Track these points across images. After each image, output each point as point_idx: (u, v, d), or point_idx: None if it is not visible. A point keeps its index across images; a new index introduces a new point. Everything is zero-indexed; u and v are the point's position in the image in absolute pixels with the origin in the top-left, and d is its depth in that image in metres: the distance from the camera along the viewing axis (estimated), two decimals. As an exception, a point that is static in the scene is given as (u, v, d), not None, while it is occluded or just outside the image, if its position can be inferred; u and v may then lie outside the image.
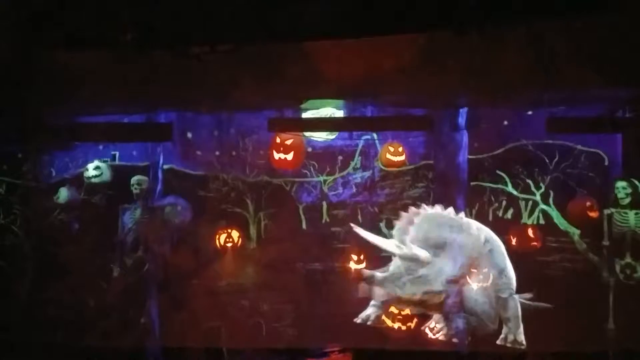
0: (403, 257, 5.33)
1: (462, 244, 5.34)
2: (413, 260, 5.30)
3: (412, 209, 5.48)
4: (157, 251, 5.90)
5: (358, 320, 5.52)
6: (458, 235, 5.37)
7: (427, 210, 5.46)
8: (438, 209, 5.46)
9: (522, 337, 5.32)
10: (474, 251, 5.35)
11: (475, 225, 5.47)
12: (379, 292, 5.31)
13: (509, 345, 5.31)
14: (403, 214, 5.47)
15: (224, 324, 5.69)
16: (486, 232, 5.45)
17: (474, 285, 5.34)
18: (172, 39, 4.90)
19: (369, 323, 5.51)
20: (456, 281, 5.30)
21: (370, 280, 5.29)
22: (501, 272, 5.36)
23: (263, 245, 5.90)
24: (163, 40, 4.91)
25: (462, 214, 5.47)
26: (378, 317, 5.52)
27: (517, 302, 5.35)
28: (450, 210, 5.44)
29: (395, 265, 5.37)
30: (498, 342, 5.34)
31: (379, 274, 5.31)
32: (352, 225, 5.54)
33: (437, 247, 5.35)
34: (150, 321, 5.84)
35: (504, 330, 5.35)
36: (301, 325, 5.69)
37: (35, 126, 5.72)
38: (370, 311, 5.53)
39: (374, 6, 4.74)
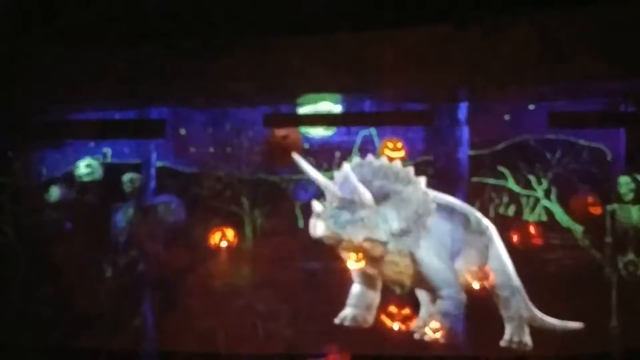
0: (341, 199, 4.99)
1: (406, 197, 5.08)
2: (353, 201, 4.97)
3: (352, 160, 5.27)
4: (151, 251, 5.85)
5: (337, 320, 5.36)
6: (404, 188, 5.12)
7: (366, 161, 5.21)
8: (384, 160, 5.25)
9: (527, 338, 5.23)
10: (418, 207, 5.08)
11: (476, 214, 5.37)
12: (320, 225, 4.94)
13: (514, 346, 5.22)
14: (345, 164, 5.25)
15: (219, 324, 5.61)
16: (488, 224, 5.36)
17: (425, 247, 5.11)
18: (165, 34, 4.89)
19: (345, 323, 5.31)
20: (400, 235, 5.04)
21: (318, 215, 4.98)
22: (501, 269, 5.26)
23: (259, 243, 5.84)
24: (156, 35, 4.90)
25: (410, 168, 5.21)
26: (355, 318, 5.32)
27: (519, 301, 5.26)
28: (398, 162, 5.22)
29: (337, 203, 5.04)
30: (502, 343, 5.24)
31: (321, 206, 5.00)
32: (294, 155, 5.25)
33: (380, 197, 5.08)
34: (143, 321, 5.80)
35: (508, 330, 5.26)
36: (297, 325, 5.61)
37: (25, 124, 5.70)
38: (347, 311, 5.36)
39: (373, 0, 4.72)
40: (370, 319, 5.37)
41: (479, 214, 5.40)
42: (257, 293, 5.68)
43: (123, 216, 5.91)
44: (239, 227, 5.84)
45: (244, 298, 5.68)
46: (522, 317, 5.24)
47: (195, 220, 5.83)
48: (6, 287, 5.88)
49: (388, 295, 5.43)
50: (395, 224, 5.04)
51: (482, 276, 5.23)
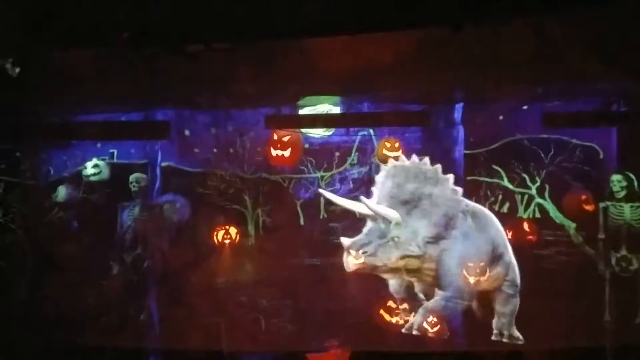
0: (372, 218, 5.12)
1: (435, 199, 5.15)
2: (383, 221, 5.06)
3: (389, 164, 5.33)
4: (156, 248, 5.92)
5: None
6: (433, 189, 5.19)
7: (400, 163, 5.31)
8: (414, 159, 5.32)
9: (517, 333, 5.33)
10: (448, 208, 5.16)
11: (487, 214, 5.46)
12: (352, 262, 5.06)
13: (505, 340, 5.32)
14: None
15: (223, 320, 5.69)
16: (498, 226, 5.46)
17: (453, 251, 5.16)
18: (168, 37, 4.91)
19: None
20: (435, 242, 5.15)
21: (348, 249, 5.05)
22: (507, 266, 5.37)
23: (261, 241, 5.90)
24: (160, 38, 4.92)
25: (438, 166, 5.29)
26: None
27: (518, 301, 5.35)
28: (426, 160, 5.31)
29: (367, 229, 5.18)
30: (493, 337, 5.35)
31: (350, 240, 5.09)
32: (320, 190, 5.49)
33: (410, 204, 5.16)
34: (149, 318, 5.86)
35: (497, 324, 5.37)
36: (300, 320, 5.70)
37: (33, 125, 5.74)
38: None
39: (370, 2, 4.75)
40: None
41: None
42: (260, 289, 5.78)
43: (129, 215, 5.97)
44: (242, 225, 5.90)
45: (247, 294, 5.77)
46: (513, 315, 5.34)
47: (199, 218, 5.90)
48: (14, 285, 5.94)
49: (387, 290, 5.56)
50: (427, 232, 5.13)
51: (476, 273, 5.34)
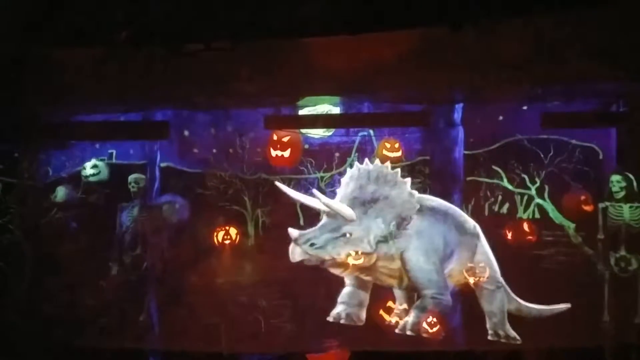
0: (328, 214, 5.20)
1: (391, 201, 5.21)
2: (337, 217, 5.14)
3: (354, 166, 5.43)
4: (155, 249, 5.91)
5: (330, 318, 5.49)
6: (390, 191, 5.25)
7: (363, 166, 5.38)
8: (377, 163, 5.40)
9: (512, 332, 5.34)
10: (402, 209, 5.21)
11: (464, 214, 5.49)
12: (297, 251, 5.11)
13: (503, 341, 5.33)
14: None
15: (222, 321, 5.69)
16: (474, 223, 5.49)
17: (412, 249, 5.24)
18: (167, 37, 4.91)
19: (341, 321, 5.44)
20: (385, 241, 5.19)
21: (296, 240, 5.12)
22: (488, 264, 5.38)
23: (261, 241, 5.90)
24: (159, 38, 4.92)
25: (397, 170, 5.36)
26: (349, 316, 5.45)
27: (504, 295, 5.37)
28: (387, 164, 5.36)
29: (321, 223, 5.25)
30: (489, 337, 5.35)
31: (298, 232, 5.15)
32: (277, 183, 5.55)
33: (368, 204, 5.22)
34: (149, 319, 5.86)
35: (489, 325, 5.38)
36: (300, 321, 5.70)
37: (31, 125, 5.71)
38: (340, 309, 5.49)
39: (369, 2, 4.75)
40: (362, 316, 5.50)
41: (464, 214, 5.52)
42: (260, 290, 5.77)
43: (128, 215, 5.96)
44: (241, 226, 5.89)
45: (247, 295, 5.76)
46: (503, 312, 5.35)
47: (198, 219, 5.88)
48: (13, 286, 5.93)
49: (386, 291, 5.55)
50: (380, 231, 5.17)
51: (474, 273, 5.35)
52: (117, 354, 5.59)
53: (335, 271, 5.38)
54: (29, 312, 5.79)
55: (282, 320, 5.75)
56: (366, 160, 5.49)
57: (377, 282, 5.47)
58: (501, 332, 5.35)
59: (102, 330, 5.70)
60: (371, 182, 5.30)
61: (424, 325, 5.29)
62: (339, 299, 5.54)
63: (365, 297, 5.54)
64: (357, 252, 5.15)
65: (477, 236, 5.47)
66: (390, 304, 5.54)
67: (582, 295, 5.32)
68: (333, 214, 5.20)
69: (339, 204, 5.26)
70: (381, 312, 5.53)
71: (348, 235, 5.14)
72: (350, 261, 5.28)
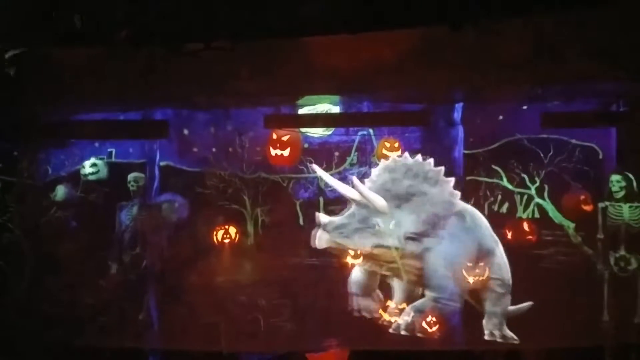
0: (358, 203, 5.13)
1: (430, 199, 5.15)
2: (368, 207, 5.06)
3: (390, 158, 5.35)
4: (155, 248, 5.92)
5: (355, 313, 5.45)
6: (430, 189, 5.21)
7: (403, 160, 5.33)
8: (418, 158, 5.34)
9: (509, 333, 5.33)
10: (441, 209, 5.16)
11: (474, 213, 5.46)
12: (324, 237, 5.06)
13: (499, 341, 5.32)
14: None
15: (222, 320, 5.69)
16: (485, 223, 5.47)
17: (438, 251, 5.16)
18: (167, 36, 4.90)
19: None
20: (417, 239, 5.15)
21: (324, 227, 5.04)
22: (496, 264, 5.37)
23: (260, 241, 5.90)
24: (159, 38, 4.91)
25: (441, 168, 5.31)
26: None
27: (508, 301, 5.36)
28: (431, 160, 5.33)
29: (349, 212, 5.18)
30: (486, 337, 5.35)
31: (328, 218, 5.09)
32: (313, 166, 5.49)
33: (402, 198, 5.17)
34: (148, 318, 5.87)
35: (488, 325, 5.37)
36: (299, 320, 5.71)
37: (31, 124, 5.71)
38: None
39: (369, 2, 4.75)
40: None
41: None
42: (259, 289, 5.77)
43: (128, 214, 5.97)
44: (241, 225, 5.89)
45: (247, 294, 5.76)
46: (505, 315, 5.34)
47: (198, 218, 5.89)
48: (12, 284, 5.94)
49: (386, 290, 5.56)
50: (412, 228, 5.13)
51: (475, 273, 5.33)
52: (117, 353, 5.57)
53: (357, 262, 5.31)
54: (29, 311, 5.79)
55: (282, 319, 5.76)
56: (406, 154, 5.42)
57: (398, 279, 5.39)
58: (497, 333, 5.34)
59: (102, 329, 5.70)
60: (409, 177, 5.24)
61: (424, 324, 5.30)
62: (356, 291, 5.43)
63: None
64: (381, 246, 5.07)
65: (497, 242, 5.46)
66: (389, 303, 5.54)
67: (581, 294, 5.32)
68: (363, 204, 5.10)
69: (374, 194, 5.13)
70: (381, 311, 5.53)
71: (377, 227, 5.08)
72: (350, 260, 5.29)
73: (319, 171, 5.46)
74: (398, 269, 5.30)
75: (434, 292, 5.28)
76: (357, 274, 5.53)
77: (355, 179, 5.26)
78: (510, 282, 5.41)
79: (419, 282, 5.38)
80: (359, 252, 5.17)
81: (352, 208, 5.25)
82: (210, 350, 5.57)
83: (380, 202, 5.10)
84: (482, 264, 5.30)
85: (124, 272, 5.93)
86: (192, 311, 5.70)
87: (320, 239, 5.11)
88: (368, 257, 5.20)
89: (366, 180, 5.43)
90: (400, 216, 5.16)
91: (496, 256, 5.39)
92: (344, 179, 5.81)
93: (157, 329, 5.88)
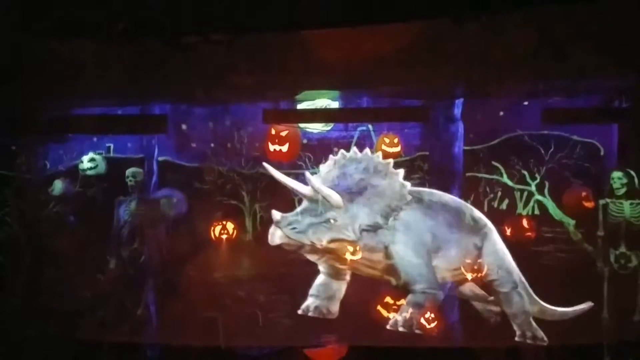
0: (311, 199, 5.13)
1: (382, 191, 5.15)
2: (320, 202, 5.06)
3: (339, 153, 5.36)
4: (153, 243, 5.92)
5: (299, 311, 5.46)
6: (381, 181, 5.19)
7: (350, 154, 5.33)
8: (367, 152, 5.33)
9: (540, 333, 5.26)
10: (393, 200, 5.13)
11: (473, 211, 5.44)
12: (277, 234, 5.06)
13: (529, 341, 5.26)
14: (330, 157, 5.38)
15: (220, 315, 5.69)
16: (486, 222, 5.43)
17: (400, 243, 5.17)
18: (165, 29, 4.87)
19: (309, 314, 5.41)
20: (372, 230, 5.13)
21: (277, 223, 5.06)
22: (498, 265, 5.33)
23: (259, 237, 5.86)
24: (156, 31, 4.88)
25: (390, 160, 5.29)
26: (318, 308, 5.42)
27: (522, 296, 5.30)
28: (379, 154, 5.32)
29: (301, 207, 5.19)
30: (516, 338, 5.28)
31: (280, 214, 5.09)
32: (264, 164, 5.45)
33: (354, 192, 5.16)
34: (146, 312, 5.87)
35: (515, 326, 5.31)
36: (297, 315, 5.67)
37: (28, 118, 5.69)
38: (309, 301, 5.46)
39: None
40: (334, 309, 5.46)
41: (476, 212, 5.44)
42: (258, 284, 5.77)
43: (126, 209, 5.95)
44: (239, 220, 5.88)
45: (245, 289, 5.76)
46: (526, 312, 5.27)
47: (196, 213, 5.88)
48: (11, 279, 5.93)
49: (384, 286, 5.53)
50: (366, 220, 5.11)
51: (473, 271, 5.31)
52: (115, 348, 5.58)
53: (312, 258, 5.33)
54: (27, 306, 5.80)
55: (280, 314, 5.74)
56: (354, 148, 5.43)
57: (355, 272, 5.41)
58: (528, 333, 5.27)
59: (100, 323, 5.70)
60: (359, 171, 5.24)
61: (422, 321, 5.28)
62: (310, 291, 5.49)
63: (340, 287, 5.48)
64: (338, 239, 5.07)
65: (483, 236, 5.40)
66: (388, 299, 5.52)
67: (581, 292, 5.31)
68: (316, 199, 5.11)
69: (329, 189, 5.14)
70: (379, 307, 5.51)
71: (332, 221, 5.07)
72: (349, 257, 5.28)
73: (270, 169, 5.41)
74: (354, 262, 5.27)
75: (418, 284, 5.25)
76: (320, 277, 5.53)
77: (308, 175, 5.23)
78: (515, 278, 5.34)
79: (383, 276, 5.36)
80: (318, 245, 5.13)
81: (305, 203, 5.22)
82: (208, 345, 5.57)
83: (335, 197, 5.09)
84: (468, 260, 5.29)
85: (123, 267, 5.93)
86: (191, 306, 5.69)
87: (274, 235, 5.11)
88: (324, 251, 5.18)
89: (315, 176, 5.37)
90: (354, 209, 5.13)
91: (485, 255, 5.33)
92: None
93: (155, 323, 5.89)
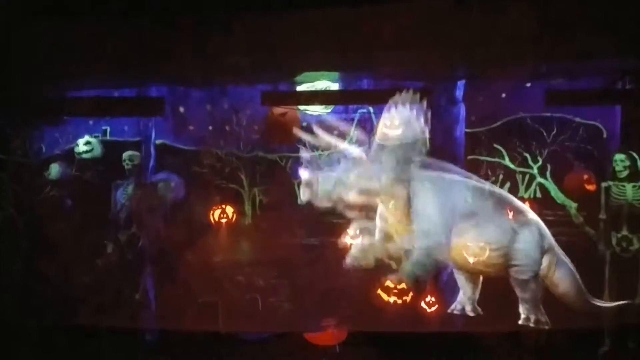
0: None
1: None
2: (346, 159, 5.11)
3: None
4: (151, 227, 5.88)
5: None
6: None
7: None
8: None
9: (545, 318, 5.18)
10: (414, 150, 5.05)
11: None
12: (305, 192, 5.09)
13: (532, 325, 5.19)
14: None
15: (219, 300, 5.67)
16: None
17: (424, 197, 5.08)
18: (162, 10, 4.83)
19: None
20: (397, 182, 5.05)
21: (307, 182, 5.09)
22: (526, 254, 5.17)
23: (258, 221, 5.87)
24: (153, 11, 4.83)
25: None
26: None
27: (539, 285, 5.18)
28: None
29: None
30: (520, 322, 5.20)
31: (307, 174, 5.10)
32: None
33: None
34: (144, 297, 5.85)
35: (521, 309, 5.22)
36: (297, 300, 5.68)
37: (24, 101, 5.65)
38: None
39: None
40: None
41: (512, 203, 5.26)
42: (257, 269, 5.74)
43: (123, 193, 5.91)
44: (238, 204, 5.85)
45: (244, 274, 5.74)
46: (536, 300, 5.17)
47: (194, 197, 5.84)
48: (7, 264, 5.88)
49: (385, 270, 5.52)
50: (391, 172, 5.05)
51: (475, 253, 5.25)
52: (113, 333, 5.55)
53: (352, 214, 5.23)
54: (23, 291, 5.76)
55: (280, 299, 5.74)
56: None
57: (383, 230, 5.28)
58: (532, 317, 5.19)
59: (98, 309, 5.66)
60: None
61: (422, 304, 5.28)
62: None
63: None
64: (365, 190, 5.04)
65: (523, 223, 5.18)
66: (388, 283, 5.49)
67: (582, 275, 5.24)
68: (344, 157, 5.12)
69: (346, 144, 5.16)
70: (379, 291, 5.49)
71: (358, 174, 5.05)
72: (348, 240, 5.24)
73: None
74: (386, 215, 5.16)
75: (423, 240, 5.10)
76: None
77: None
78: (537, 268, 5.17)
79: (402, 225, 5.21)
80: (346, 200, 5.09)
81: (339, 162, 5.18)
82: (207, 330, 5.54)
83: (356, 151, 5.12)
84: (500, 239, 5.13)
85: (120, 251, 5.89)
86: (189, 291, 5.66)
87: (304, 193, 5.13)
88: (354, 206, 5.12)
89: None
90: (380, 160, 5.07)
91: (519, 241, 5.15)
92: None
93: (154, 309, 5.87)
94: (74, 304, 5.65)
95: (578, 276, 5.18)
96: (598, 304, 5.24)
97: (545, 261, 5.16)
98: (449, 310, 5.35)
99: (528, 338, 5.36)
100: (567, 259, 5.19)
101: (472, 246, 5.15)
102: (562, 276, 5.19)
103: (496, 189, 5.37)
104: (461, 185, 5.19)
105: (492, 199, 5.23)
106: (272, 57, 5.10)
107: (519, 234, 5.17)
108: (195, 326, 5.56)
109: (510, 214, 5.16)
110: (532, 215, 5.25)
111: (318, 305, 5.56)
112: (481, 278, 5.34)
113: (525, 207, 5.30)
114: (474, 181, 5.25)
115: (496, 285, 5.28)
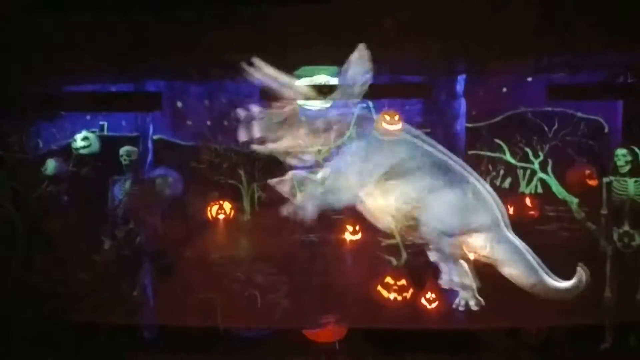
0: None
1: None
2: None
3: None
4: (149, 223, 5.85)
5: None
6: None
7: None
8: None
9: (469, 281, 5.24)
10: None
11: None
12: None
13: (457, 290, 5.24)
14: None
15: (217, 296, 5.63)
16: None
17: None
18: (160, 4, 4.80)
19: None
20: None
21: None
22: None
23: (257, 216, 5.86)
24: (152, 6, 4.81)
25: None
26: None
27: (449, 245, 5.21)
28: None
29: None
30: (440, 282, 5.27)
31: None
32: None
33: None
34: (142, 293, 5.81)
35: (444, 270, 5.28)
36: (296, 296, 5.64)
37: (20, 96, 5.61)
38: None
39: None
40: None
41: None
42: (256, 265, 5.69)
43: (121, 189, 5.87)
44: (236, 200, 5.85)
45: (243, 270, 5.68)
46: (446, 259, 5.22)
47: (192, 193, 5.82)
48: (4, 260, 5.84)
49: (384, 266, 5.49)
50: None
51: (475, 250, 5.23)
52: (111, 329, 5.54)
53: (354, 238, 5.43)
54: (21, 287, 5.72)
55: (279, 295, 5.69)
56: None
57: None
58: (455, 279, 5.25)
59: (96, 305, 5.63)
60: None
61: (422, 301, 5.26)
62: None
63: None
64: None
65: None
66: (388, 279, 5.48)
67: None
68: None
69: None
70: (379, 288, 5.47)
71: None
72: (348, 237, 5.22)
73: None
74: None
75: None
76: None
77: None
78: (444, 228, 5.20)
79: None
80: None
81: None
82: (206, 327, 5.49)
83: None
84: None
85: (118, 247, 5.86)
86: (188, 287, 5.63)
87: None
88: None
89: None
90: None
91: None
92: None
93: (152, 305, 5.84)
94: (71, 300, 5.60)
95: (530, 256, 5.09)
96: (557, 285, 5.15)
97: (480, 238, 5.15)
98: (453, 306, 5.31)
99: (530, 334, 5.34)
100: (517, 239, 5.12)
101: (394, 204, 5.20)
102: (505, 256, 5.12)
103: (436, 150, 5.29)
104: (394, 144, 5.22)
105: (429, 159, 5.23)
106: (271, 52, 5.04)
107: (441, 193, 5.15)
108: (194, 323, 5.51)
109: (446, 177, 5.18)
110: (473, 182, 5.21)
111: (317, 301, 5.53)
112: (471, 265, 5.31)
113: (465, 173, 5.23)
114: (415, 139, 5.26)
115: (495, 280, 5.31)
